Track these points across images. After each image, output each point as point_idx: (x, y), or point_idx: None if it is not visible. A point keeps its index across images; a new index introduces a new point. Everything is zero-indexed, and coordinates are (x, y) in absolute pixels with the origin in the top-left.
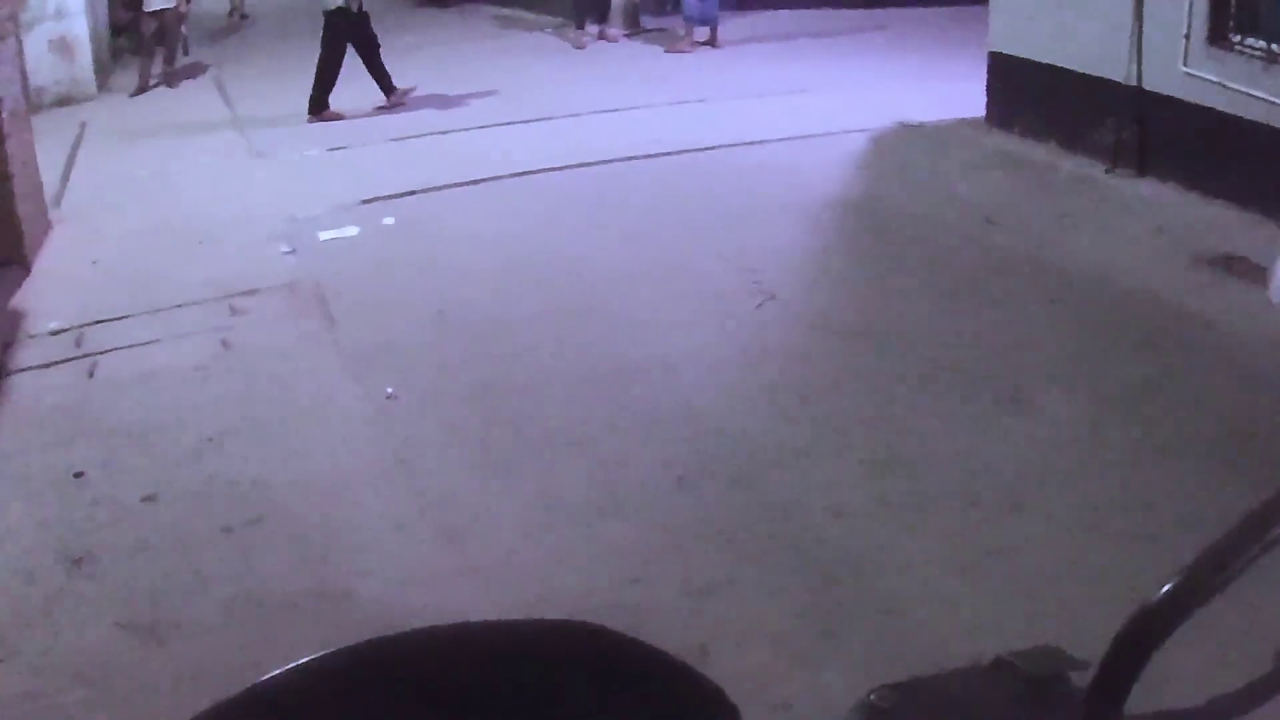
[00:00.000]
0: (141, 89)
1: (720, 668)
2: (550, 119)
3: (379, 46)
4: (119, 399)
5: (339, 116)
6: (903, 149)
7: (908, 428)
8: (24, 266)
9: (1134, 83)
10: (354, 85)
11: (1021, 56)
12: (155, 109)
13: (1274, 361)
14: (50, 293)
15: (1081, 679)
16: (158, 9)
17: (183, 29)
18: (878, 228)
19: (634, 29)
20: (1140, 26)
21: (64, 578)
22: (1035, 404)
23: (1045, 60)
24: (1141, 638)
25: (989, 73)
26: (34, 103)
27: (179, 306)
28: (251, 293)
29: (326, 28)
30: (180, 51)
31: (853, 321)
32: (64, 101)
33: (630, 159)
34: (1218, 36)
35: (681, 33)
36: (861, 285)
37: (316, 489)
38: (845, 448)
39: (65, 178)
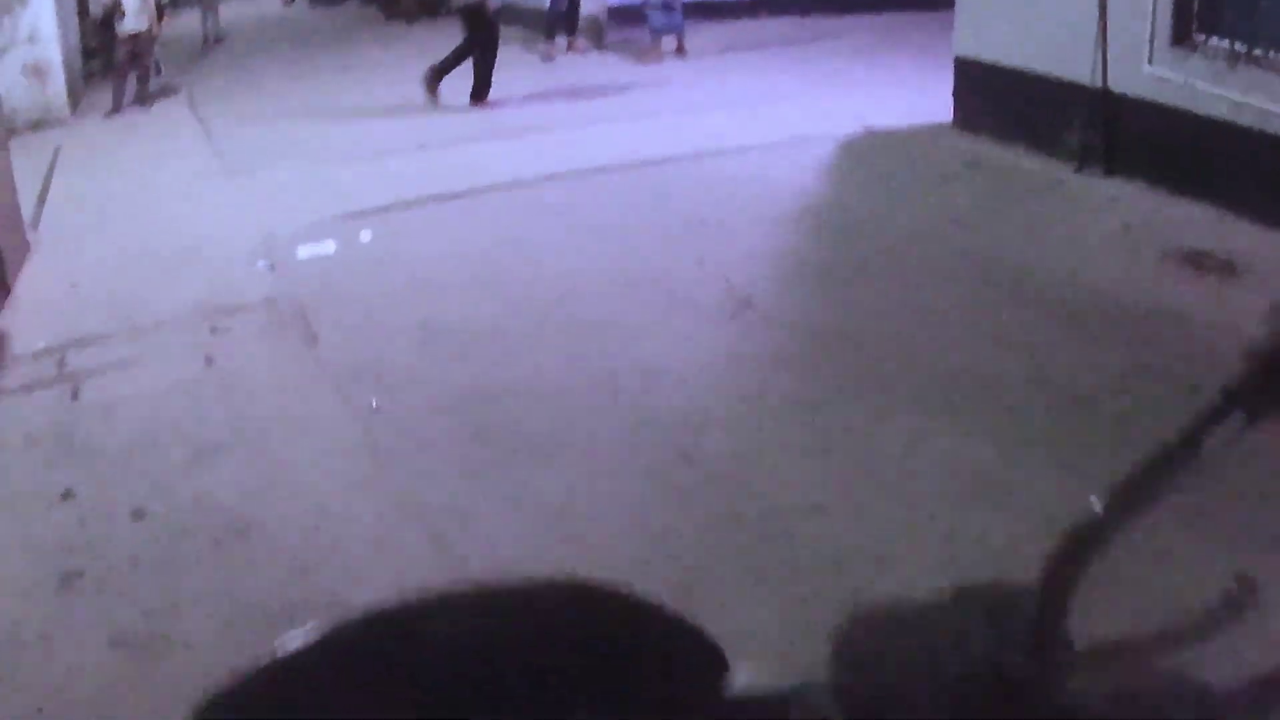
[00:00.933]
0: (115, 110)
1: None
2: (523, 131)
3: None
4: (104, 419)
5: (495, 105)
6: (871, 155)
7: (883, 429)
8: (3, 289)
9: (1099, 84)
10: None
11: (987, 61)
12: (130, 130)
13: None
14: (30, 315)
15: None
16: (131, 32)
17: (155, 50)
18: (848, 233)
19: (600, 42)
20: (1104, 27)
21: (56, 596)
22: (1006, 402)
23: (1010, 64)
24: (1074, 555)
25: (955, 77)
26: (8, 126)
27: (160, 326)
28: (232, 311)
29: (472, 24)
30: (154, 72)
31: (825, 325)
32: (38, 125)
33: (604, 170)
34: (1181, 37)
35: (649, 42)
36: (834, 290)
37: (304, 500)
38: (823, 450)
39: (42, 200)
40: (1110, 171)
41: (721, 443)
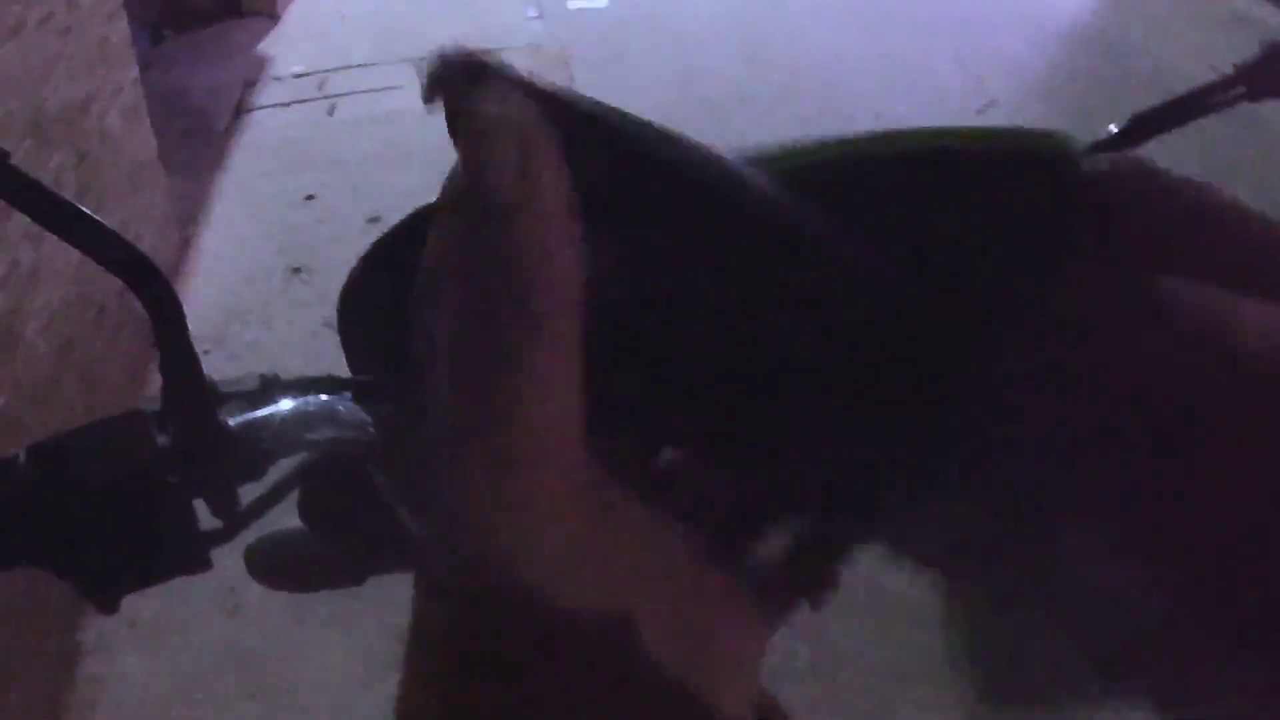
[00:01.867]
0: None
1: None
2: None
3: None
4: (355, 135)
5: None
6: None
7: None
8: (273, 18)
9: None
10: None
11: None
12: None
13: None
14: (297, 41)
15: None
16: None
17: None
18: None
19: None
20: None
21: (282, 283)
22: None
23: None
24: None
25: None
26: None
27: (423, 58)
28: (497, 52)
29: None
30: None
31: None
32: None
33: None
34: None
35: None
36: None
37: None
38: None
39: None
40: None
41: None
